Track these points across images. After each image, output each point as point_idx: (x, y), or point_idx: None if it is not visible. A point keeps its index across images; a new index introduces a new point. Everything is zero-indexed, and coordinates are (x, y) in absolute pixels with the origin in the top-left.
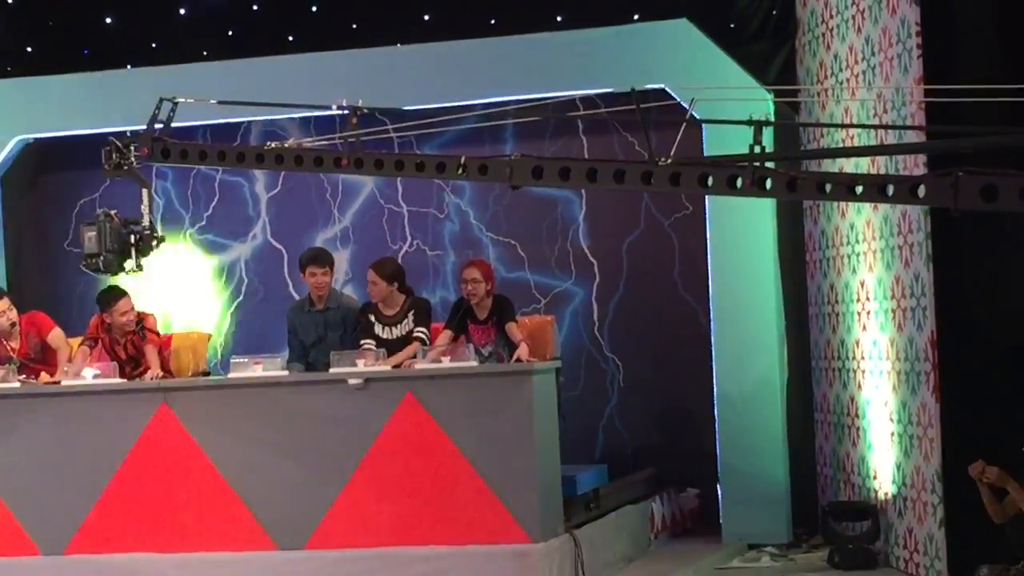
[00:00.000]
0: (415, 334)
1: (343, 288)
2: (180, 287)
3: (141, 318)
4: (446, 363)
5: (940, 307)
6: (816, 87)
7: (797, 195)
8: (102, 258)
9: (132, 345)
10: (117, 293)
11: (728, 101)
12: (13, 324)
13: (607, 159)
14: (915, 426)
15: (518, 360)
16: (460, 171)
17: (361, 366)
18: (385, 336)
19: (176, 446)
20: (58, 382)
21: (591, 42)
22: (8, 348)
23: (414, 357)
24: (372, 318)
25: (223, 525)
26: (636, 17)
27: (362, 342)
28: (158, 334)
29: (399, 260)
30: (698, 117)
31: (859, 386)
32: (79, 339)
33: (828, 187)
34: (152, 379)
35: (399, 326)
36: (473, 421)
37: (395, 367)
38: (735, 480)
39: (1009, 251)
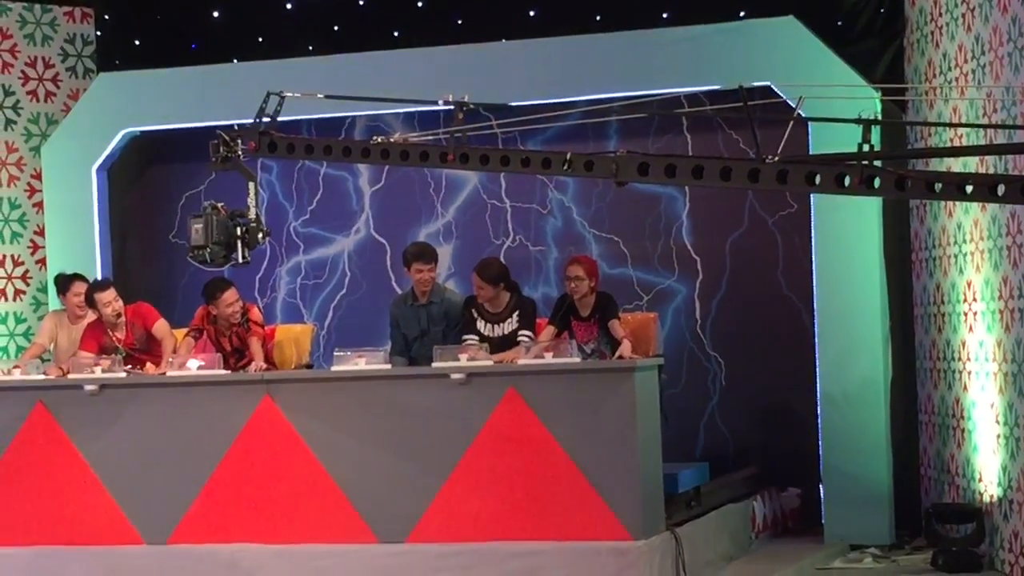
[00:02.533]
0: (519, 337)
1: (445, 283)
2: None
3: (246, 309)
4: (549, 359)
5: None
6: (925, 86)
7: (906, 194)
8: (208, 250)
9: (237, 337)
10: (223, 284)
11: (835, 99)
12: (119, 315)
13: (714, 156)
14: (1022, 428)
15: (621, 357)
16: (566, 167)
17: (464, 361)
18: (487, 333)
19: (279, 438)
20: (163, 373)
21: (697, 39)
22: (114, 338)
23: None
24: (475, 314)
25: (324, 517)
26: (742, 14)
27: (464, 338)
28: (263, 326)
29: (501, 256)
30: (805, 115)
31: (964, 387)
32: (184, 330)
33: (938, 186)
34: (256, 371)
35: (503, 324)
36: (575, 417)
37: (497, 363)
38: (838, 480)
39: None
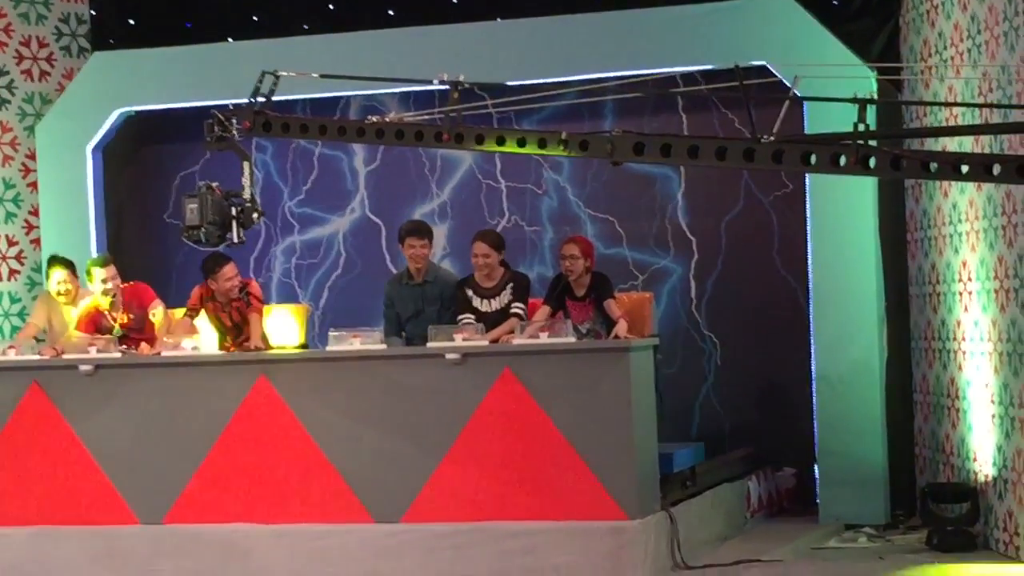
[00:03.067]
0: (512, 309)
1: (440, 263)
2: None
3: (245, 284)
4: (544, 339)
5: None
6: (920, 65)
7: (902, 174)
8: (203, 230)
9: (237, 312)
10: (221, 259)
11: (830, 79)
12: (114, 293)
13: (709, 136)
14: (1017, 408)
15: (616, 337)
16: (561, 147)
17: (459, 341)
18: (484, 309)
19: (274, 418)
20: (158, 353)
21: (692, 18)
22: (110, 318)
23: (512, 333)
24: (470, 292)
25: (320, 497)
26: None
27: (460, 317)
28: (263, 301)
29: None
30: (800, 95)
31: (959, 367)
32: (179, 310)
33: (933, 166)
34: (252, 349)
35: (497, 298)
36: (570, 397)
37: (493, 342)
38: (832, 460)
39: None
